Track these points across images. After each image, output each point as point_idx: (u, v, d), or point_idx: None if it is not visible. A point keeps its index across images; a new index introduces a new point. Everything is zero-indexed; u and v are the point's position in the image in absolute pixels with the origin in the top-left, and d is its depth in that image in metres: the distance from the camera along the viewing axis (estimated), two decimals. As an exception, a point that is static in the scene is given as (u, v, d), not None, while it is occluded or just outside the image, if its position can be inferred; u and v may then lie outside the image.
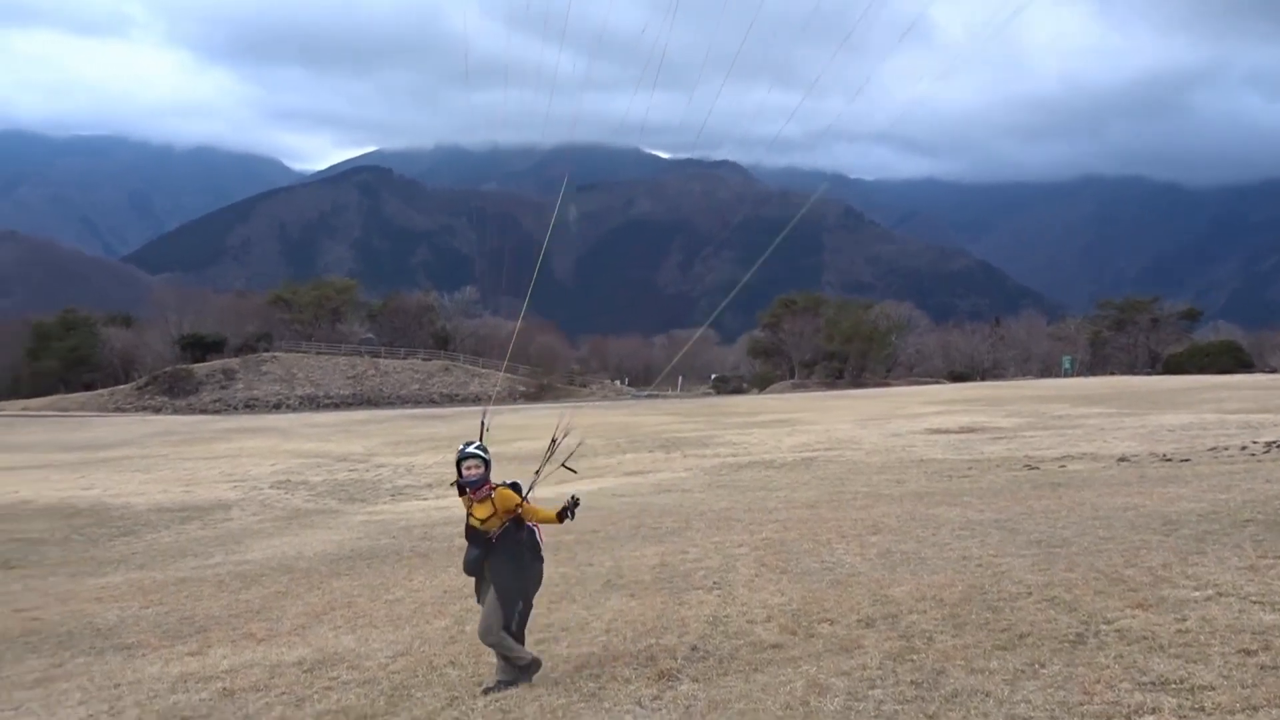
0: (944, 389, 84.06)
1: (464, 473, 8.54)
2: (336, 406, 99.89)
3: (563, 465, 9.53)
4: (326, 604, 13.42)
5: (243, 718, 8.30)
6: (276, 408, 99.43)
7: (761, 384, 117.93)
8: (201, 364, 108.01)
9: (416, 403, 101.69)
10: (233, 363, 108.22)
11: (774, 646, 8.85)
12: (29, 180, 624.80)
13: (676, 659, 8.67)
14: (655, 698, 7.65)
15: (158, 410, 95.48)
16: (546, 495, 10.14)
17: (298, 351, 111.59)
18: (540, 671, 8.60)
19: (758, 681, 7.82)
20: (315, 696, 8.74)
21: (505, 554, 8.44)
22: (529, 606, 8.66)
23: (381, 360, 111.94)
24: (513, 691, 8.27)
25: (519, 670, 8.49)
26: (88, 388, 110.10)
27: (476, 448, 8.59)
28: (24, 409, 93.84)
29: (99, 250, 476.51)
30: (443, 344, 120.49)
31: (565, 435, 9.50)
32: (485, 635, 8.40)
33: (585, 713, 7.45)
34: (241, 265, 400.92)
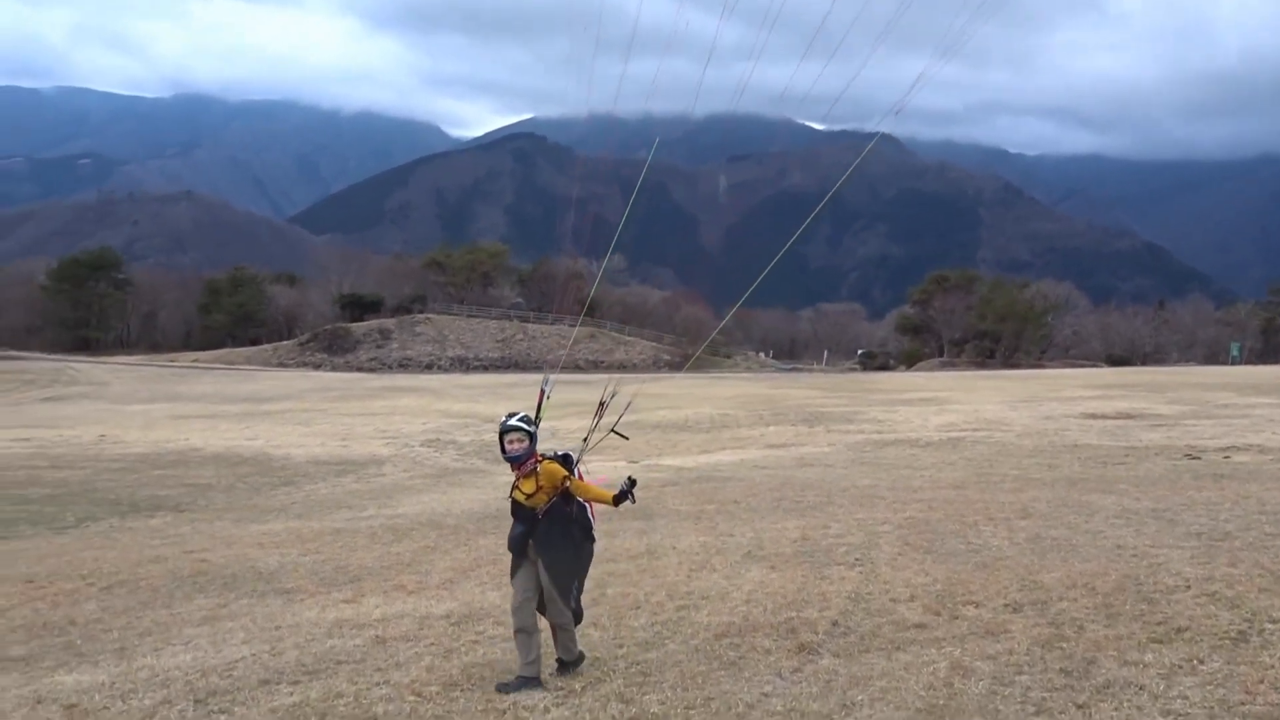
0: (1102, 372, 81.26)
1: (507, 447, 8.03)
2: (485, 369, 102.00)
3: (613, 431, 8.77)
4: (473, 560, 13.76)
5: (394, 665, 8.58)
6: (428, 368, 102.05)
7: (909, 361, 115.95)
8: (359, 323, 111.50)
9: (562, 368, 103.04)
10: (389, 323, 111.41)
11: (917, 626, 8.75)
12: (205, 143, 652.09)
13: (817, 633, 8.65)
14: (795, 670, 7.66)
15: (317, 366, 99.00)
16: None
17: (450, 314, 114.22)
18: (673, 643, 8.64)
19: (900, 660, 7.76)
20: (462, 649, 8.99)
21: (554, 531, 7.97)
22: (581, 587, 8.19)
23: (530, 325, 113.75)
24: (653, 656, 8.35)
25: (572, 657, 8.10)
26: (253, 343, 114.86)
27: (520, 419, 8.07)
28: (195, 361, 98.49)
29: (268, 210, 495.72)
30: (590, 311, 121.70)
31: (613, 397, 8.83)
32: (517, 612, 7.97)
33: (725, 680, 7.50)
34: (399, 228, 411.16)
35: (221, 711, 7.45)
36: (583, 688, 7.55)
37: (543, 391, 8.64)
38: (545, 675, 7.93)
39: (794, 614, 9.37)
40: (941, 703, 6.73)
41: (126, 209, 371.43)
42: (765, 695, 7.10)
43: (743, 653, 8.22)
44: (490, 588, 11.76)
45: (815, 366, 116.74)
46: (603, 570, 12.26)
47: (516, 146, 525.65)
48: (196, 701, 7.70)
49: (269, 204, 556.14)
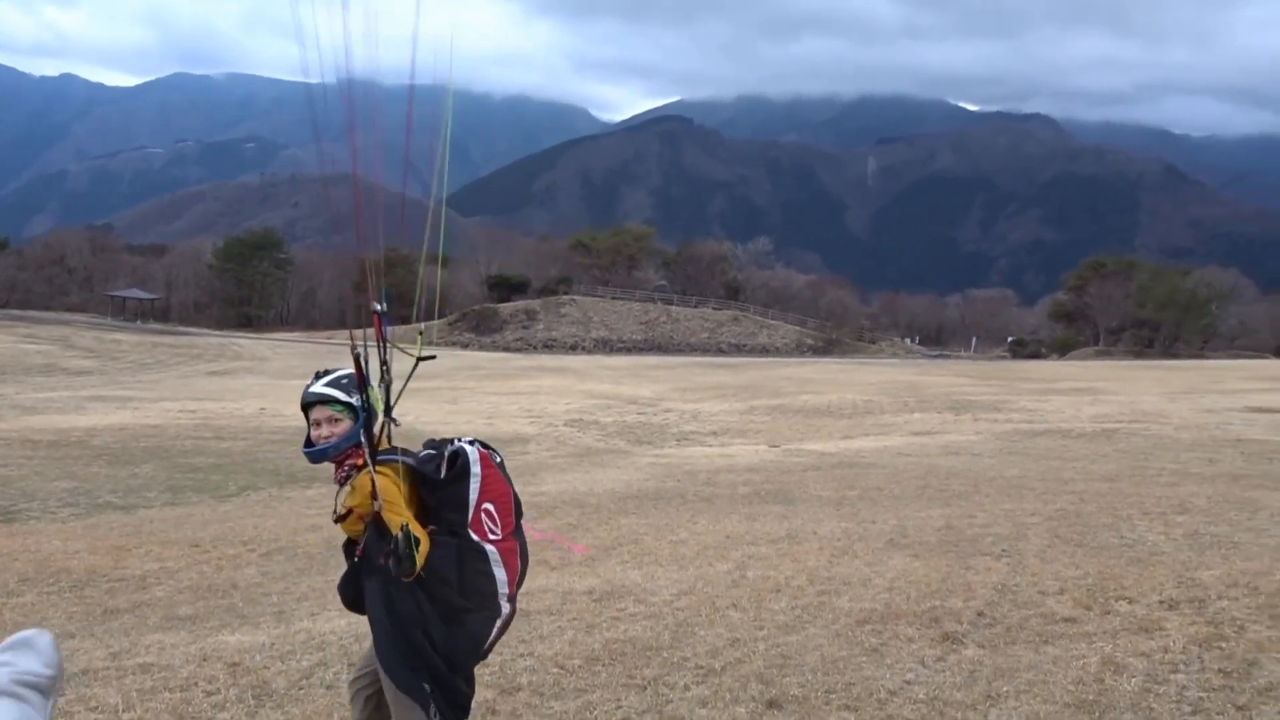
0: (1270, 364, 77.55)
1: (311, 434, 4.78)
2: (629, 350, 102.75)
3: (423, 356, 5.14)
4: (614, 539, 13.93)
5: (537, 638, 8.76)
6: (573, 349, 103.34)
7: (1062, 349, 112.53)
8: (506, 304, 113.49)
9: (705, 351, 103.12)
10: (534, 304, 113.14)
11: (1066, 620, 8.53)
12: (361, 126, 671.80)
13: (962, 623, 8.50)
14: (939, 659, 7.55)
15: (465, 345, 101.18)
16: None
17: (594, 296, 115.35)
18: (816, 626, 8.58)
19: (1048, 654, 7.58)
20: (604, 625, 9.11)
21: (379, 593, 4.56)
22: (457, 690, 4.59)
23: (673, 308, 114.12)
24: (793, 639, 8.32)
25: None
26: (404, 321, 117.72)
27: (329, 384, 4.79)
28: (347, 339, 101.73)
29: (419, 192, 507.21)
30: (734, 294, 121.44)
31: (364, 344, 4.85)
32: (351, 691, 5.02)
33: (866, 666, 7.44)
34: (546, 210, 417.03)
35: (373, 675, 7.71)
36: (723, 667, 7.57)
37: (359, 359, 4.80)
38: None
39: (938, 603, 9.23)
40: (1091, 698, 6.56)
41: (288, 190, 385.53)
42: (908, 683, 7.03)
43: (885, 639, 8.13)
44: (631, 566, 11.89)
45: (963, 353, 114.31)
46: (743, 553, 12.30)
47: (663, 129, 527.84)
48: (350, 665, 7.97)
49: (420, 186, 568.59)
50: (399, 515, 4.46)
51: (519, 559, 4.79)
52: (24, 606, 10.31)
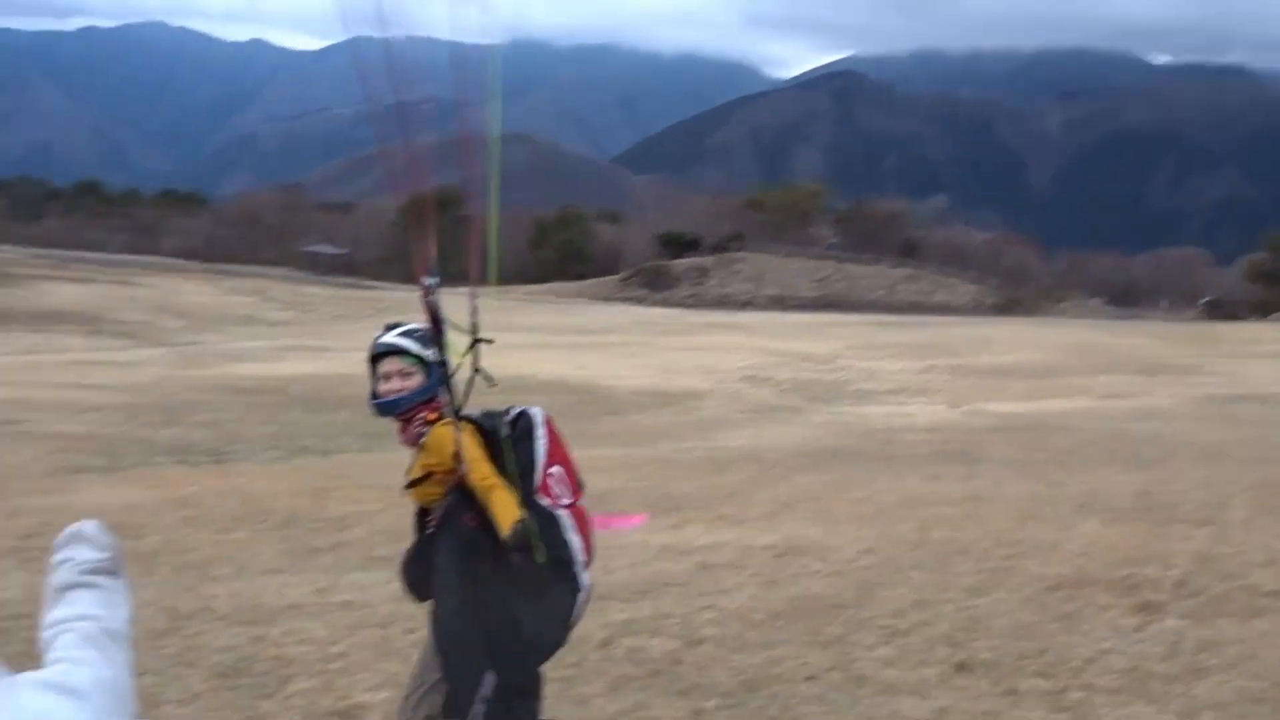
0: None
1: (379, 389, 4.42)
2: (802, 308, 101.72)
3: (478, 339, 4.59)
4: (793, 495, 13.89)
5: (719, 591, 8.82)
6: (745, 306, 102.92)
7: (1262, 311, 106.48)
8: (678, 260, 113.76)
9: (880, 309, 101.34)
10: (706, 261, 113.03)
11: (1274, 594, 8.14)
12: (536, 87, 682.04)
13: (1161, 592, 8.20)
14: (1137, 629, 7.30)
15: (639, 301, 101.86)
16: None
17: (767, 253, 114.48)
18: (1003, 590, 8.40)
19: (1255, 628, 7.25)
20: (785, 581, 9.10)
21: (453, 561, 4.24)
22: (518, 691, 4.20)
23: (847, 265, 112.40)
24: (981, 603, 8.15)
25: None
26: (579, 277, 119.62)
27: (402, 334, 4.48)
28: (527, 294, 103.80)
29: (592, 151, 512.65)
30: (909, 252, 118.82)
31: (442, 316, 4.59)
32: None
33: (1059, 633, 7.25)
34: (717, 168, 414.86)
35: (561, 622, 7.90)
36: (909, 628, 7.48)
37: (429, 289, 4.64)
38: None
39: (1134, 570, 8.92)
40: (1306, 676, 6.26)
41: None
42: (1104, 651, 6.82)
43: (1078, 606, 7.91)
44: (811, 523, 11.83)
45: (1154, 314, 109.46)
46: (926, 514, 12.09)
47: (834, 86, 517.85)
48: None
49: (593, 145, 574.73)
50: (487, 478, 4.18)
51: (588, 527, 4.47)
52: (236, 543, 10.93)
